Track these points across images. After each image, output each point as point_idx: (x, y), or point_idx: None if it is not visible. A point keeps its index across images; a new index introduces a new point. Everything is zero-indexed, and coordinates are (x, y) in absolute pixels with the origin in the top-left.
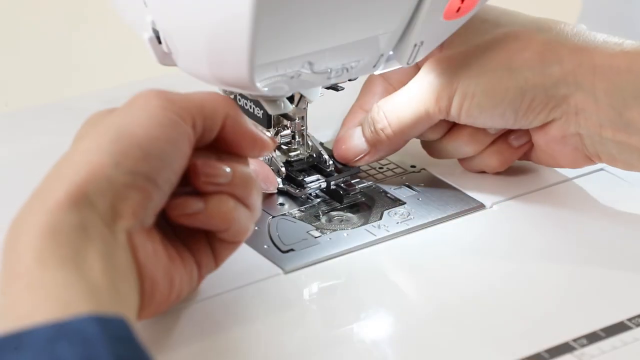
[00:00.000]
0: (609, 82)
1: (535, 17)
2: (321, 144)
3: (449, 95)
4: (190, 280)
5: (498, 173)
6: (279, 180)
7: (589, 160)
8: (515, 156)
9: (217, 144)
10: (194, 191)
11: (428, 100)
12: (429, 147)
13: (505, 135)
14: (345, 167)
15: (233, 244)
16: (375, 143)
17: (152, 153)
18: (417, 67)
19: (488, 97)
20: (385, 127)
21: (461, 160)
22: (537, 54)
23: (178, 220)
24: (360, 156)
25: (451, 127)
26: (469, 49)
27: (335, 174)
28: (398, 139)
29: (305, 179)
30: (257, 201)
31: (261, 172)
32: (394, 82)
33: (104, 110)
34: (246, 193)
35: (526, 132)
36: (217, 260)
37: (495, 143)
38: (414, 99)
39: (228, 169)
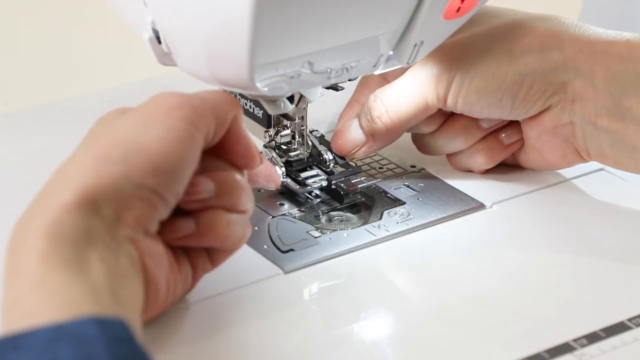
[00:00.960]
0: (609, 69)
1: (535, 12)
2: (322, 136)
3: (448, 81)
4: (185, 283)
5: (498, 173)
6: (281, 173)
7: (578, 155)
8: (504, 154)
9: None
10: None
11: (426, 86)
12: (420, 141)
13: (495, 132)
14: (345, 161)
15: (231, 250)
16: (372, 132)
17: (163, 169)
18: None
19: (487, 82)
20: (382, 115)
21: (449, 157)
22: (538, 39)
23: (172, 243)
24: (358, 148)
25: (445, 120)
26: (469, 36)
27: (336, 173)
28: (395, 128)
29: (303, 175)
30: (248, 203)
31: (264, 170)
32: (390, 78)
33: (116, 111)
34: (235, 200)
35: (517, 131)
36: (214, 263)
37: (485, 139)
38: (412, 85)
39: (210, 182)
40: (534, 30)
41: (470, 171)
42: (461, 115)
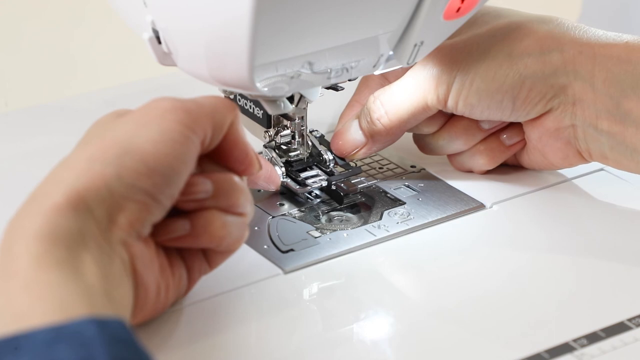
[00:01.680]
0: (608, 72)
1: (535, 14)
2: (322, 136)
3: (448, 83)
4: (178, 287)
5: (498, 173)
6: (281, 173)
7: (580, 157)
8: (505, 155)
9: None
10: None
11: (427, 87)
12: (421, 141)
13: (497, 133)
14: (345, 162)
15: (228, 252)
16: (372, 133)
17: (157, 170)
18: None
19: (487, 83)
20: (381, 116)
21: (450, 157)
22: (538, 41)
23: (166, 244)
24: (358, 149)
25: (446, 121)
26: (469, 37)
27: (336, 173)
28: (395, 129)
29: (303, 175)
30: (246, 205)
31: (264, 171)
32: (391, 78)
33: (114, 113)
34: (232, 201)
35: (519, 132)
36: (211, 265)
37: (486, 140)
38: (412, 87)
39: (207, 182)
40: (534, 33)
41: (471, 171)
42: (462, 116)
